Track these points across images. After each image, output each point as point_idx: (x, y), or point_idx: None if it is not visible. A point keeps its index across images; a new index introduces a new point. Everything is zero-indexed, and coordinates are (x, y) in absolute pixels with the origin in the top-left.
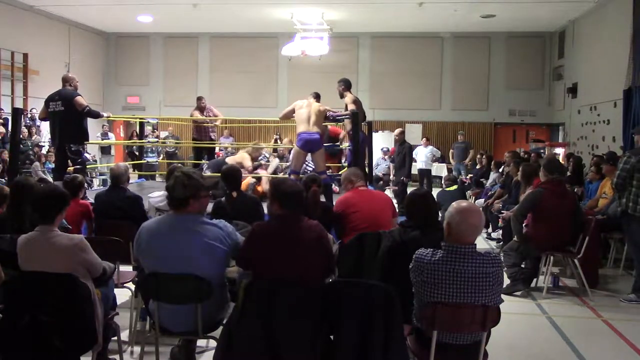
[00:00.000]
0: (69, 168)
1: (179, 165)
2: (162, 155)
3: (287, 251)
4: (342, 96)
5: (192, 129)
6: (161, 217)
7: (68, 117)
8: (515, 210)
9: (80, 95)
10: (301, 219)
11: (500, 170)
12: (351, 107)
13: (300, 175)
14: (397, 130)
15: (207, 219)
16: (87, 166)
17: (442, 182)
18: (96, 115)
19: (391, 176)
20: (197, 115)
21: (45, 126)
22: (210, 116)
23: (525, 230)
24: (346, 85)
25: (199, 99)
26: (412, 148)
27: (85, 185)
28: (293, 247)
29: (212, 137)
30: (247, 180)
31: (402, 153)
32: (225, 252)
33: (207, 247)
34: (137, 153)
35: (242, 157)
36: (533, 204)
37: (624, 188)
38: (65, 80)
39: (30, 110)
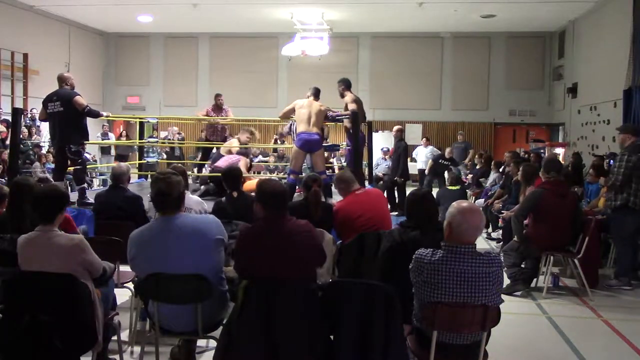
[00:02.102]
0: (68, 168)
1: (179, 165)
2: (162, 155)
3: (275, 252)
4: (342, 96)
5: (205, 129)
6: (152, 223)
7: (67, 117)
8: (515, 211)
9: (79, 94)
10: (286, 219)
11: (501, 170)
12: (351, 106)
13: (300, 176)
14: (395, 127)
15: (192, 214)
16: (87, 166)
17: (446, 179)
18: (96, 114)
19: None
20: (206, 113)
21: (45, 126)
22: (223, 116)
23: (525, 230)
24: (346, 85)
25: (217, 96)
26: (407, 147)
27: (86, 185)
28: (280, 247)
29: (227, 138)
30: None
31: (397, 152)
32: (222, 240)
33: (205, 242)
34: (124, 154)
35: (231, 143)
36: (533, 204)
37: (623, 185)
38: (62, 80)
39: (31, 110)
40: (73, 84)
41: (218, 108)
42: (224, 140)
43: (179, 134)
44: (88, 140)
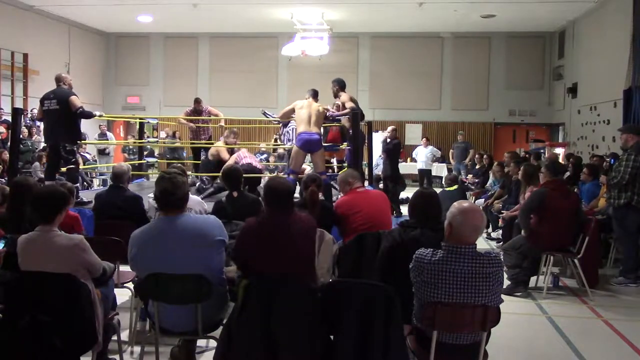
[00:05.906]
0: (61, 168)
1: (179, 165)
2: (162, 155)
3: (272, 247)
4: (336, 96)
5: (187, 129)
6: (153, 223)
7: (62, 116)
8: (521, 207)
9: (75, 95)
10: (287, 216)
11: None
12: (349, 104)
13: (300, 176)
14: (390, 127)
15: (193, 215)
16: (87, 166)
17: (443, 181)
18: (89, 115)
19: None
20: (184, 116)
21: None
22: (204, 117)
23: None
24: (340, 85)
25: (196, 101)
26: (398, 146)
27: (84, 185)
28: (280, 241)
29: (205, 138)
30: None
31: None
32: (223, 241)
33: (206, 243)
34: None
35: (218, 149)
36: (539, 202)
37: (627, 184)
38: (59, 80)
39: (31, 111)
40: (71, 84)
41: (196, 112)
42: (210, 138)
43: (173, 135)
44: (82, 141)
